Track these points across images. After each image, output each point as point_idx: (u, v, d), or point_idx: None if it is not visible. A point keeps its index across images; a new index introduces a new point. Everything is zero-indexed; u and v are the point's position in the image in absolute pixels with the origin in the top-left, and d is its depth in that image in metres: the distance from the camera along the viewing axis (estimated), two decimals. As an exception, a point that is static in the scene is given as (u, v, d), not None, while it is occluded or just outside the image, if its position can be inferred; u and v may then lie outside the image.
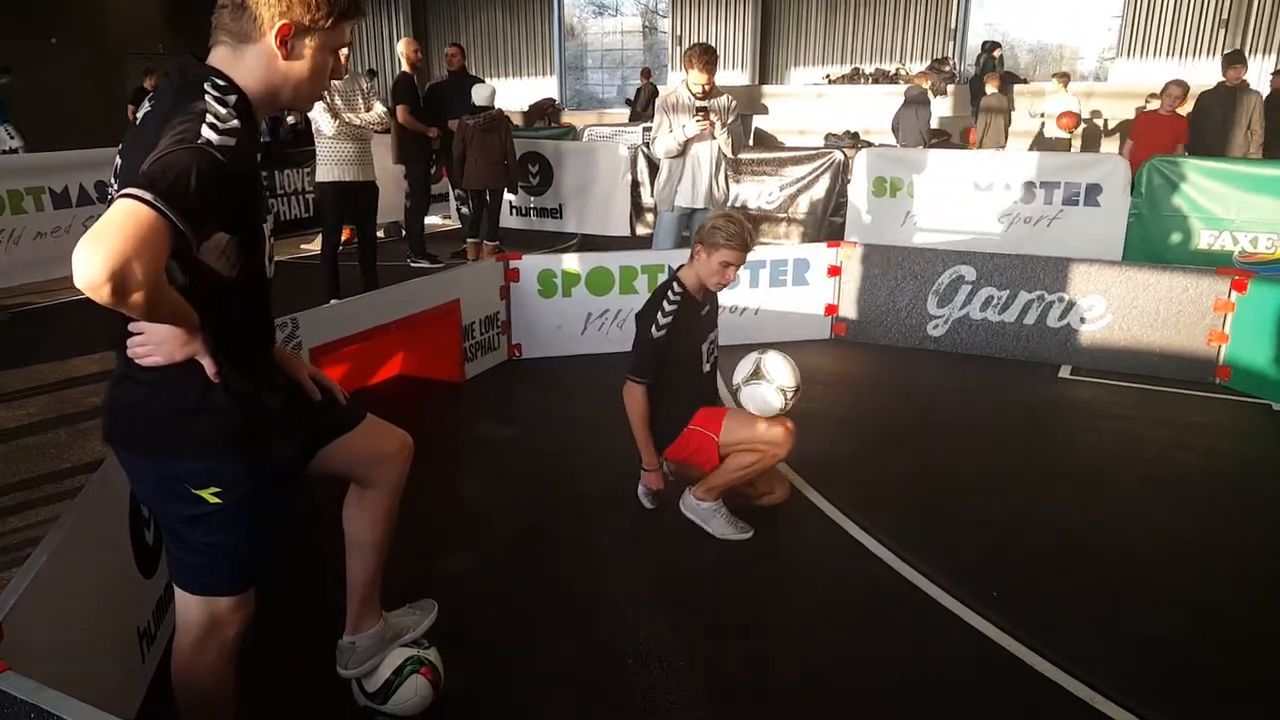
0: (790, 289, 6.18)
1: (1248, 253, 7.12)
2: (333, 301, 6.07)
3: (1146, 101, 12.88)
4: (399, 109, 8.16)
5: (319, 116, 6.21)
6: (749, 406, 3.48)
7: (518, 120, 15.96)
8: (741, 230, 3.39)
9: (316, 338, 4.19)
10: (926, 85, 11.26)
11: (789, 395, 3.46)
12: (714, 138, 6.05)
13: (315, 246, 7.92)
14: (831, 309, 6.28)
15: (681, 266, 3.56)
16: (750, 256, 6.03)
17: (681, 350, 3.47)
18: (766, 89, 18.33)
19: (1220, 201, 7.23)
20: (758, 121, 16.87)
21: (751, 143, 15.16)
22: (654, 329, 3.38)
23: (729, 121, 6.09)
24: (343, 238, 7.77)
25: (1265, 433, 4.82)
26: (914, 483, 4.12)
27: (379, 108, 6.47)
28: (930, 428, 4.81)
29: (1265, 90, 9.39)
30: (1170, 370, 5.50)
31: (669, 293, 3.44)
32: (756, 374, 3.47)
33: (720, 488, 3.51)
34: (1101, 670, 2.73)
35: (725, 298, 6.11)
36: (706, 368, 3.61)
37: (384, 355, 5.17)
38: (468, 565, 3.38)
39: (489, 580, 3.28)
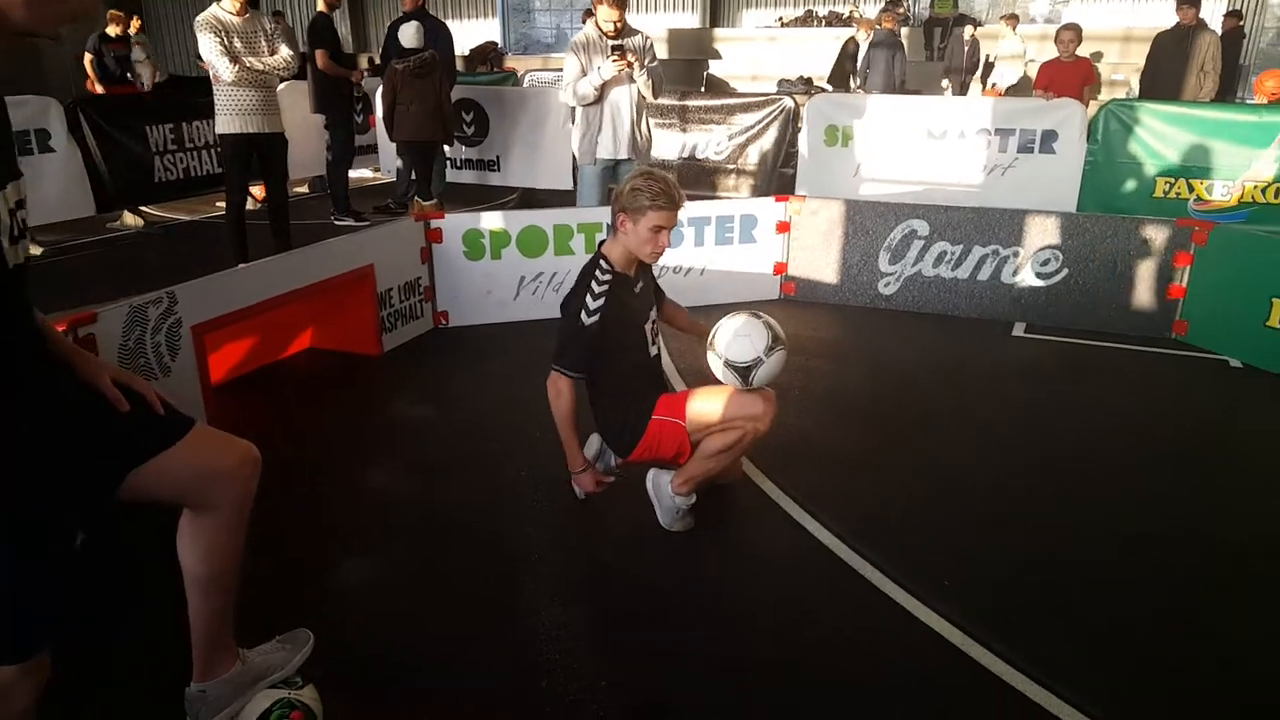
0: (737, 247, 5.83)
1: (1204, 200, 6.90)
2: (240, 267, 5.65)
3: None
4: (318, 53, 7.63)
5: (216, 60, 5.69)
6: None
7: (458, 65, 15.27)
8: (667, 186, 2.95)
9: (199, 314, 3.74)
10: (892, 27, 10.73)
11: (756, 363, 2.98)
12: (632, 80, 5.62)
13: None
14: (780, 267, 5.95)
15: (604, 241, 3.13)
16: (695, 212, 5.74)
17: (625, 335, 3.06)
18: (718, 32, 17.78)
19: (1177, 148, 6.98)
20: (711, 67, 16.35)
21: (704, 89, 14.67)
22: (584, 315, 2.95)
23: (648, 63, 5.66)
24: (258, 195, 7.31)
25: (1225, 391, 4.62)
26: (866, 460, 3.83)
27: (285, 51, 5.95)
28: (881, 396, 4.53)
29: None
30: (1126, 326, 5.27)
31: (597, 271, 3.00)
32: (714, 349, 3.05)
33: (699, 478, 3.08)
34: (1066, 673, 2.47)
35: (668, 258, 5.75)
36: (654, 350, 3.22)
37: (289, 328, 4.75)
38: (366, 576, 3.00)
39: (391, 593, 2.90)
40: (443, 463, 3.78)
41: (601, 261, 3.02)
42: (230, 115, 5.85)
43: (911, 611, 2.76)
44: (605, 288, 2.97)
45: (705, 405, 3.03)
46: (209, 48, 5.67)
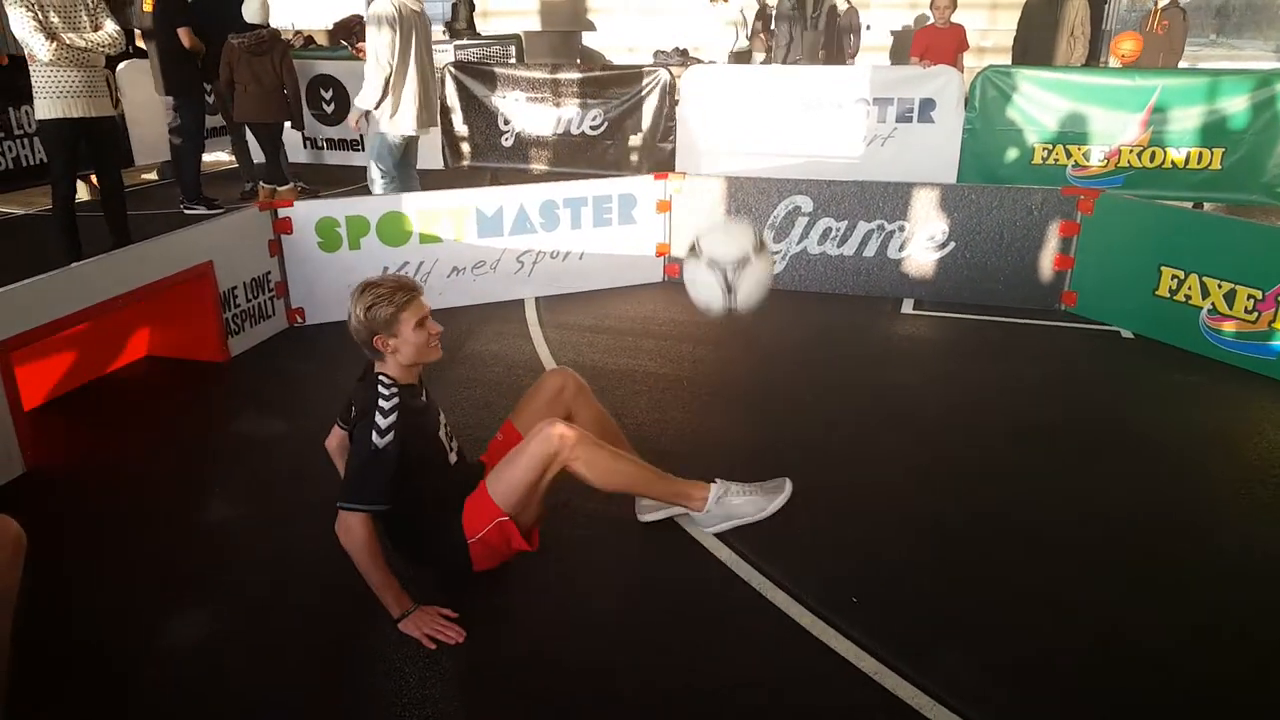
0: (617, 228, 5.53)
1: (1082, 166, 6.93)
2: (61, 270, 5.06)
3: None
4: (181, 31, 6.95)
5: (30, 38, 5.06)
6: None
7: (322, 40, 14.42)
8: (394, 283, 2.60)
9: (5, 328, 3.24)
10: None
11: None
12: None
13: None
14: (663, 249, 5.68)
15: (371, 364, 2.70)
16: (571, 193, 5.39)
17: (423, 451, 2.67)
18: (591, 2, 17.34)
19: (1054, 114, 6.99)
20: (584, 39, 15.94)
21: (579, 60, 14.28)
22: (375, 436, 2.49)
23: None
24: (95, 185, 6.66)
25: (1120, 364, 4.55)
26: (757, 455, 3.60)
27: (110, 26, 5.35)
28: (773, 384, 4.32)
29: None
30: (1015, 299, 5.20)
31: (379, 389, 2.56)
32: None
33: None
34: (980, 700, 2.28)
35: (546, 242, 5.40)
36: (454, 457, 2.85)
37: (120, 335, 4.24)
38: (191, 635, 2.56)
39: (226, 655, 2.49)
40: (295, 487, 3.36)
41: (381, 380, 2.59)
42: (50, 99, 5.24)
43: (820, 637, 2.55)
44: (394, 403, 2.54)
45: (503, 477, 2.66)
46: (21, 24, 5.05)
